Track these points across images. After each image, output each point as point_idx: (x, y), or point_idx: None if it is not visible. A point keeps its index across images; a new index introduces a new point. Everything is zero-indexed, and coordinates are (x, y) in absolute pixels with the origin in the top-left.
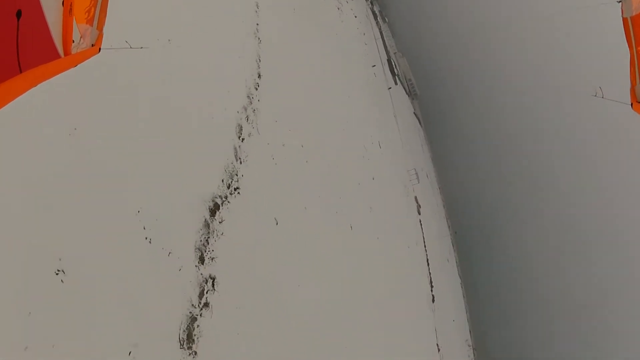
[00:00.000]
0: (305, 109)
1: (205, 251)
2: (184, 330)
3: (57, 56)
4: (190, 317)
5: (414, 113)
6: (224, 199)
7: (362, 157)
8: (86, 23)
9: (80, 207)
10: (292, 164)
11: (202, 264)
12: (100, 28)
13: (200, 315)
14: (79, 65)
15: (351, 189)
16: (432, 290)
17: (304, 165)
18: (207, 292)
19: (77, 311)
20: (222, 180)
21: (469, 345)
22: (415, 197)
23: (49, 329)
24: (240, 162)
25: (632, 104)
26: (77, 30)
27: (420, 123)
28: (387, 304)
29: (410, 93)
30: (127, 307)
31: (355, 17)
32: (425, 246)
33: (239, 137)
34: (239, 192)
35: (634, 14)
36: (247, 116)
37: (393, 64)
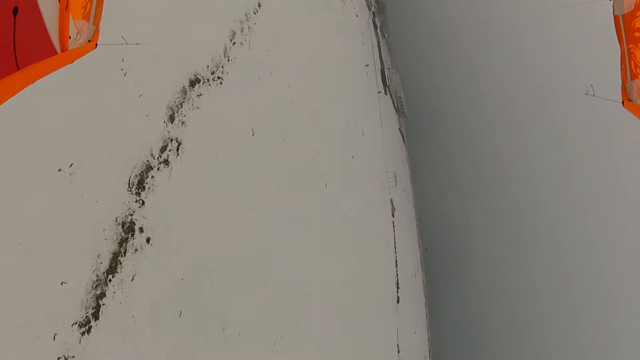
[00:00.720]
0: (296, 58)
1: (177, 113)
2: (136, 175)
3: (54, 52)
4: (146, 165)
5: (399, 129)
6: (205, 80)
7: (345, 134)
8: (82, 19)
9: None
10: (277, 94)
11: (172, 122)
12: (96, 23)
13: (158, 169)
14: (76, 61)
15: (330, 152)
16: (397, 292)
17: (288, 103)
18: (169, 151)
19: (26, 100)
20: (207, 66)
21: None
22: (391, 200)
23: None
24: (228, 60)
25: (623, 102)
26: (74, 26)
27: (403, 141)
28: (351, 284)
29: (399, 110)
30: (81, 121)
31: (357, 16)
32: (395, 248)
33: (231, 40)
34: (221, 82)
35: (625, 11)
36: (241, 28)
37: (386, 76)
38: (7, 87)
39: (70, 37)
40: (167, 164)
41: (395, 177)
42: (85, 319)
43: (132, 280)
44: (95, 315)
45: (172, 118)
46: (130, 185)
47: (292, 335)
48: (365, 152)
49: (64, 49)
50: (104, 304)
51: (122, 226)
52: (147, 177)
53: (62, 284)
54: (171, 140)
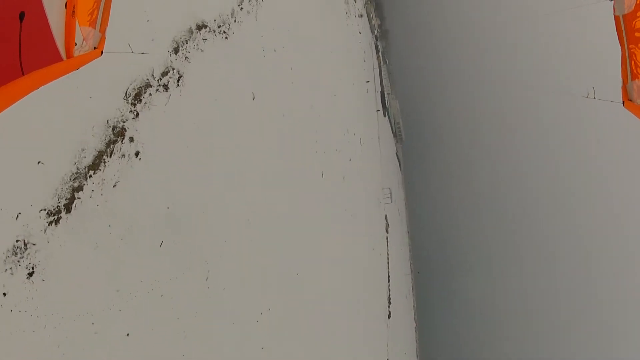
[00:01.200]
0: (300, 47)
1: (182, 48)
2: (135, 88)
3: (60, 59)
4: (145, 83)
5: (396, 154)
6: (212, 30)
7: (344, 135)
8: (89, 25)
9: None
10: (279, 72)
11: (175, 54)
12: (103, 30)
13: (157, 90)
14: (81, 68)
15: (328, 145)
16: (389, 307)
17: (289, 84)
18: (170, 78)
19: None
20: (215, 20)
21: None
22: (386, 216)
23: None
24: (235, 21)
25: (623, 102)
26: (80, 32)
27: (400, 166)
28: (342, 278)
29: (396, 135)
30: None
31: (360, 33)
32: (388, 263)
33: (239, 5)
34: (226, 37)
35: (625, 12)
36: None
37: (385, 99)
38: (12, 92)
39: (75, 44)
40: (166, 89)
41: (390, 193)
42: (56, 208)
43: (114, 186)
44: (68, 208)
45: (176, 50)
46: (127, 95)
47: (282, 309)
48: (363, 160)
49: (69, 55)
50: (79, 198)
51: (113, 130)
52: (144, 93)
53: (38, 163)
54: (173, 69)
